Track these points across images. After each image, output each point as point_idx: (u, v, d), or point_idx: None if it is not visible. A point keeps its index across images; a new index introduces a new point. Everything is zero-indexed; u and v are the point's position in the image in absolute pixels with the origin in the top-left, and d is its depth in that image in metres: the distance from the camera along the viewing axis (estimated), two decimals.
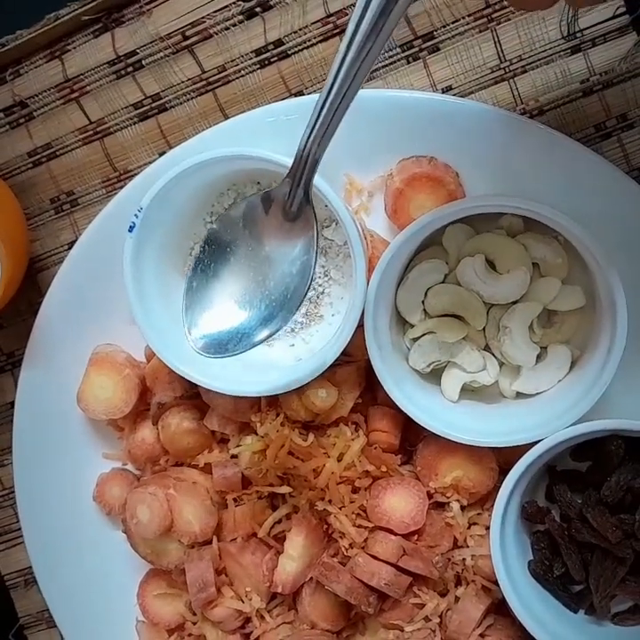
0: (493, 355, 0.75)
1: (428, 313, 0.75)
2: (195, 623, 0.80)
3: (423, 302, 0.75)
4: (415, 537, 0.74)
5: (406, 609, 0.74)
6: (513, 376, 0.75)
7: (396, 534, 0.73)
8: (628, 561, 0.70)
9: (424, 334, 0.75)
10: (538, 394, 0.74)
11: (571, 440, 0.70)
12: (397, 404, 0.72)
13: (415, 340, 0.76)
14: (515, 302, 0.73)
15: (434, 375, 0.77)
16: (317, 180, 0.70)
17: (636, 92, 0.75)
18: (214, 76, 0.83)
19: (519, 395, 0.75)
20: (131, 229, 0.73)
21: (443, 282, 0.74)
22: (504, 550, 0.72)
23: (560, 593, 0.74)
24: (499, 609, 0.76)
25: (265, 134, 0.77)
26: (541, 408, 0.73)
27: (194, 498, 0.76)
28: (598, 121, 0.76)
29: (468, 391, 0.77)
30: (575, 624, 0.74)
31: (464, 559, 0.75)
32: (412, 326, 0.76)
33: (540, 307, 0.72)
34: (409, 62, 0.79)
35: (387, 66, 0.79)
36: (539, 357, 0.74)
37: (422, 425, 0.72)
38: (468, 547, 0.75)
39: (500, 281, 0.72)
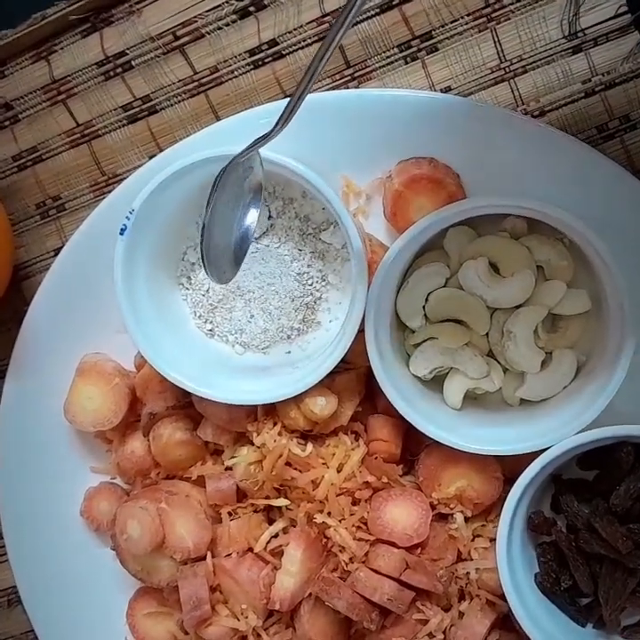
0: (497, 361, 0.73)
1: (430, 318, 0.73)
2: None
3: (424, 307, 0.73)
4: (418, 550, 0.72)
5: (409, 625, 0.71)
6: (517, 382, 0.73)
7: (398, 547, 0.71)
8: (639, 572, 0.68)
9: (425, 340, 0.73)
10: (543, 401, 0.72)
11: (578, 448, 0.68)
12: (399, 411, 0.70)
13: (416, 345, 0.73)
14: (519, 306, 0.71)
15: (436, 382, 0.74)
16: (316, 179, 0.69)
17: (639, 92, 0.73)
18: (206, 76, 0.81)
19: (523, 402, 0.73)
20: (122, 232, 0.71)
21: (444, 286, 0.72)
22: (511, 563, 0.70)
23: (568, 606, 0.72)
24: (503, 623, 0.73)
25: (258, 135, 0.74)
26: (547, 415, 0.71)
27: (186, 512, 0.74)
28: (601, 122, 0.75)
29: (471, 398, 0.74)
30: (583, 638, 0.72)
31: (468, 573, 0.72)
32: (413, 332, 0.74)
33: (545, 310, 0.70)
34: (407, 62, 0.77)
35: (384, 66, 0.77)
36: (543, 363, 0.72)
37: (425, 433, 0.70)
38: (472, 560, 0.73)
39: (504, 284, 0.70)
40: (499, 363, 0.72)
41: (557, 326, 0.73)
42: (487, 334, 0.72)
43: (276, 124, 0.60)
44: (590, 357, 0.71)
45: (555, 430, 0.68)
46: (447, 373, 0.74)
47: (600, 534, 0.68)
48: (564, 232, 0.68)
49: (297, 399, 0.70)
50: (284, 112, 0.59)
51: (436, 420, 0.71)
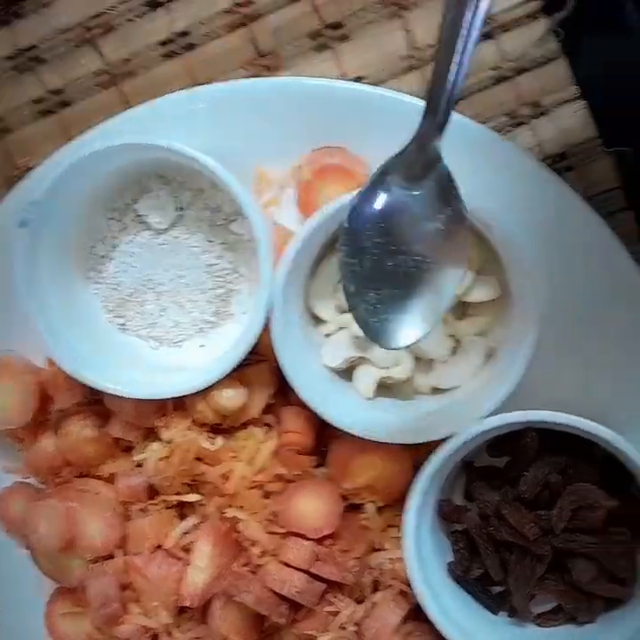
0: None
1: (341, 308, 0.72)
2: None
3: (336, 297, 0.72)
4: (329, 542, 0.71)
5: (320, 618, 0.70)
6: (427, 371, 0.72)
7: (308, 539, 0.70)
8: (547, 558, 0.68)
9: (337, 330, 0.72)
10: (454, 389, 0.72)
11: (485, 434, 0.67)
12: (305, 402, 0.69)
13: (328, 336, 0.73)
14: None
15: (347, 372, 0.74)
16: (221, 171, 0.68)
17: (549, 78, 0.73)
18: (119, 68, 0.80)
19: (435, 390, 0.73)
20: (23, 225, 0.69)
21: None
22: (419, 551, 0.69)
23: (480, 595, 0.71)
24: (419, 615, 0.72)
25: (169, 125, 0.74)
26: (457, 403, 0.70)
27: (96, 510, 0.72)
28: (511, 109, 0.74)
29: (384, 387, 0.74)
30: (496, 627, 0.71)
31: (381, 563, 0.72)
32: (325, 322, 0.73)
33: (454, 298, 0.69)
34: (319, 51, 0.76)
35: (297, 55, 0.77)
36: (453, 351, 0.71)
37: (331, 422, 0.69)
38: (384, 550, 0.72)
39: None
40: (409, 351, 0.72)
41: (467, 314, 0.72)
42: None
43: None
44: (499, 345, 0.71)
45: (463, 417, 0.68)
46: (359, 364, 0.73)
47: (508, 521, 0.68)
48: (471, 219, 0.67)
49: (205, 392, 0.69)
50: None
51: (346, 411, 0.70)
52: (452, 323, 0.71)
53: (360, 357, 0.72)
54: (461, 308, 0.72)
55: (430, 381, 0.72)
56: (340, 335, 0.72)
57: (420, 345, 0.70)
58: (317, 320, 0.74)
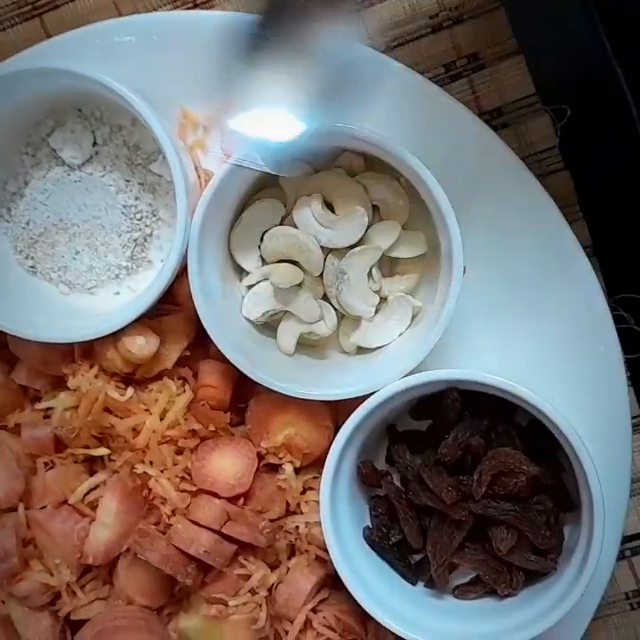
0: (332, 305, 0.69)
1: (265, 259, 0.69)
2: (3, 602, 0.71)
3: (259, 247, 0.69)
4: (241, 501, 0.68)
5: (230, 581, 0.68)
6: (353, 329, 0.69)
7: (220, 498, 0.67)
8: (466, 525, 0.66)
9: (259, 282, 0.69)
10: (379, 348, 0.69)
11: (406, 394, 0.65)
12: (224, 354, 0.66)
13: (250, 288, 0.69)
14: (353, 248, 0.67)
15: (271, 328, 0.71)
16: (142, 107, 0.64)
17: (488, 30, 0.71)
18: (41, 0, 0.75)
19: (361, 351, 0.70)
20: None
21: (280, 224, 0.68)
22: (336, 515, 0.66)
23: (397, 562, 0.69)
24: (336, 582, 0.70)
25: (91, 56, 0.70)
26: (379, 362, 0.68)
27: None
28: (448, 60, 0.72)
29: (309, 347, 0.71)
30: (414, 598, 0.69)
31: (297, 527, 0.69)
32: (248, 274, 0.70)
33: (379, 252, 0.67)
34: None
35: None
36: (379, 309, 0.69)
37: (249, 375, 0.66)
38: (302, 513, 0.69)
39: (338, 223, 0.67)
40: (333, 307, 0.69)
41: (394, 271, 0.70)
42: (322, 277, 0.69)
43: None
44: (425, 305, 0.68)
45: (383, 376, 0.65)
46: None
47: (428, 485, 0.65)
48: (400, 170, 0.65)
49: (114, 338, 0.66)
50: None
51: (266, 365, 0.67)
52: (379, 280, 0.68)
53: (283, 312, 0.69)
54: (389, 265, 0.70)
55: (355, 340, 0.69)
56: (261, 287, 0.69)
57: (345, 300, 0.67)
58: (241, 270, 0.70)
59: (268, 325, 0.71)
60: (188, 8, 0.74)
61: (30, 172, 0.70)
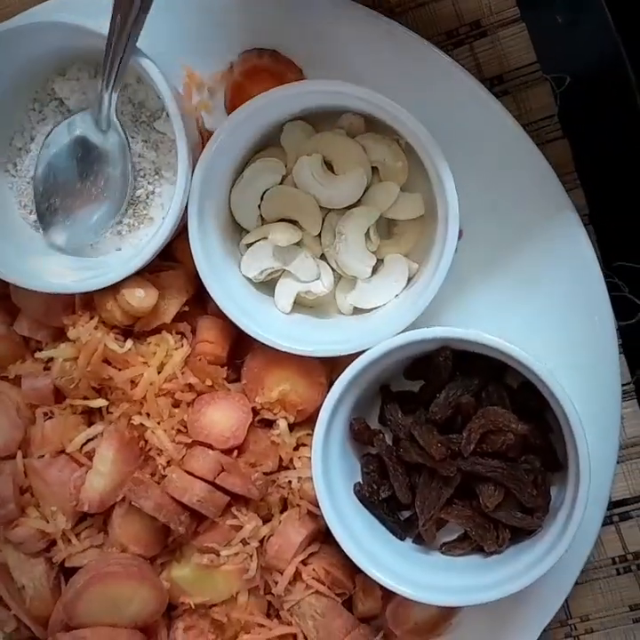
0: (329, 264, 0.70)
1: (265, 218, 0.70)
2: None
3: (259, 207, 0.70)
4: (235, 453, 0.69)
5: (223, 531, 0.69)
6: (350, 290, 0.71)
7: (214, 450, 0.68)
8: (454, 481, 0.67)
9: (259, 240, 0.70)
10: (375, 309, 0.70)
11: (399, 351, 0.66)
12: (222, 310, 0.67)
13: (249, 246, 0.71)
14: (352, 208, 0.68)
15: (269, 287, 0.72)
16: (149, 65, 0.65)
17: None
18: None
19: (357, 311, 0.71)
20: None
21: (280, 184, 0.69)
22: (327, 470, 0.68)
23: (386, 518, 0.70)
24: (327, 537, 0.71)
25: (99, 14, 0.70)
26: (374, 321, 0.69)
27: None
28: (450, 27, 0.73)
29: (307, 307, 0.72)
30: (402, 553, 0.70)
31: (290, 481, 0.70)
32: (248, 232, 0.71)
33: (377, 213, 0.68)
34: None
35: None
36: (376, 270, 0.70)
37: (246, 331, 0.67)
38: (294, 468, 0.71)
39: (337, 183, 0.68)
40: (331, 267, 0.70)
41: (392, 232, 0.71)
42: (320, 236, 0.70)
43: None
44: (421, 266, 0.69)
45: (376, 333, 0.66)
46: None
47: (418, 442, 0.66)
48: (400, 131, 0.66)
49: (114, 290, 0.67)
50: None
51: (262, 322, 0.68)
52: (376, 240, 0.69)
53: (281, 271, 0.70)
54: (387, 227, 0.71)
55: (352, 301, 0.70)
56: (260, 245, 0.70)
57: (342, 260, 0.68)
58: (241, 229, 0.71)
59: (267, 284, 0.72)
60: None
61: (36, 128, 0.71)
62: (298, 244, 0.69)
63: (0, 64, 0.67)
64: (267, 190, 0.69)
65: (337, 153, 0.68)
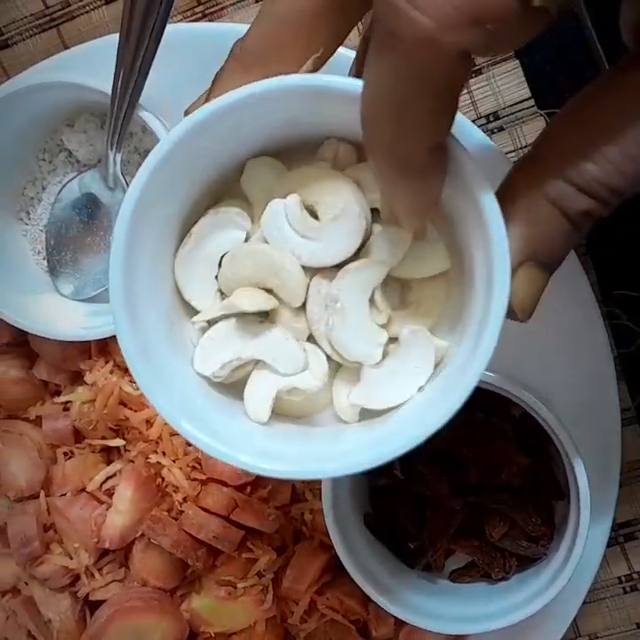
0: (321, 347, 0.46)
1: (224, 293, 0.46)
2: (27, 583, 0.76)
3: (217, 277, 0.46)
4: (248, 489, 0.72)
5: (239, 564, 0.72)
6: (352, 383, 0.46)
7: (228, 486, 0.71)
8: (460, 513, 0.69)
9: (217, 321, 0.46)
10: (389, 410, 0.45)
11: None
12: (171, 425, 0.43)
13: (203, 331, 0.46)
14: (346, 265, 0.44)
15: (237, 387, 0.47)
16: (150, 118, 0.67)
17: None
18: (58, 11, 0.79)
19: (364, 414, 0.46)
20: None
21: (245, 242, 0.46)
22: (337, 502, 0.70)
23: (396, 548, 0.73)
24: (340, 567, 0.74)
25: (104, 67, 0.72)
26: (392, 428, 0.45)
27: (20, 450, 0.73)
28: None
29: (292, 414, 0.48)
30: (412, 581, 0.73)
31: (302, 514, 0.73)
32: (201, 312, 0.47)
33: (384, 269, 0.44)
34: (257, 1, 0.76)
35: (235, 3, 0.76)
36: (388, 353, 0.45)
37: (209, 454, 0.44)
38: (306, 500, 0.73)
39: (324, 232, 0.44)
40: (325, 352, 0.46)
41: (406, 298, 0.47)
42: (306, 309, 0.45)
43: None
44: (453, 344, 0.46)
45: (392, 442, 0.43)
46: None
47: (425, 476, 0.69)
48: None
49: None
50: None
51: (231, 441, 0.44)
52: (384, 309, 0.45)
53: (253, 362, 0.46)
54: (397, 291, 0.47)
55: (356, 399, 0.46)
56: (219, 329, 0.46)
57: (339, 339, 0.44)
58: (192, 311, 0.47)
59: (233, 383, 0.47)
60: (197, 19, 0.77)
61: (47, 178, 0.74)
62: (273, 320, 0.46)
63: (10, 119, 0.70)
64: (226, 253, 0.46)
65: (321, 192, 0.44)
